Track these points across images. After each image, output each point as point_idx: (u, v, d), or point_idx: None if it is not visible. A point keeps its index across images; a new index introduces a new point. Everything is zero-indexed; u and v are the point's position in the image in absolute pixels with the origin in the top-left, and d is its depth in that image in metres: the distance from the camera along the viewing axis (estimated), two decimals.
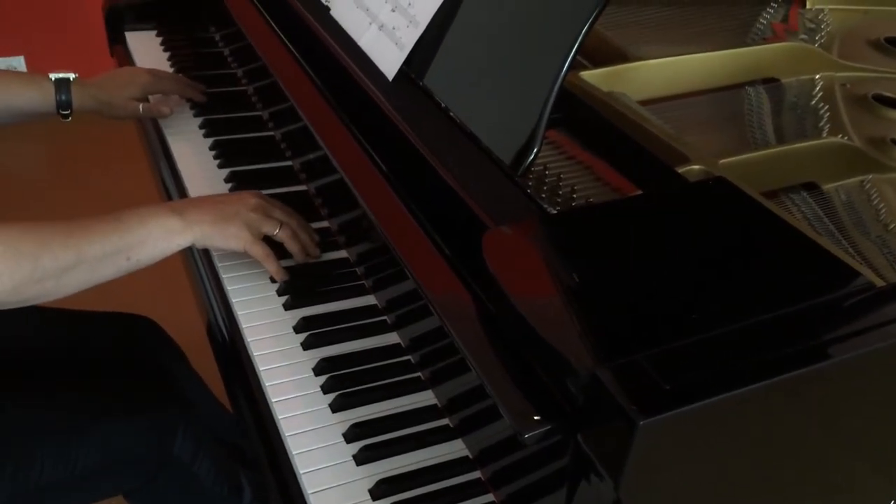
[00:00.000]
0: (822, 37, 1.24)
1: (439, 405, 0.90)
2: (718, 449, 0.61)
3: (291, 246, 1.02)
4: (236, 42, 1.46)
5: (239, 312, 1.00)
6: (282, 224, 1.01)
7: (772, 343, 0.60)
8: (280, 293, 1.03)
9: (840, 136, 1.02)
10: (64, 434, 1.04)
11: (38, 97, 1.19)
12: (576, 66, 0.81)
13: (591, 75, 1.03)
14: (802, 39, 1.22)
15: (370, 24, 1.02)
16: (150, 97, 1.33)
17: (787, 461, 0.66)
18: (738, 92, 1.12)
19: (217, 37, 1.56)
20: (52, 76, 1.21)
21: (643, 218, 0.75)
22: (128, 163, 2.00)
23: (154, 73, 1.32)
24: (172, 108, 1.32)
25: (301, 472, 0.83)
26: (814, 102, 1.11)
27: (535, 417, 0.62)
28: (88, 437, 1.05)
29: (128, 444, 1.08)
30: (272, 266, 1.00)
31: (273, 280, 1.03)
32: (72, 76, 1.22)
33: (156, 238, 0.93)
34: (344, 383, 0.91)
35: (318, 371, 0.93)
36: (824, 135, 1.03)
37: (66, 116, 1.22)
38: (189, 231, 0.95)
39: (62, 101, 1.20)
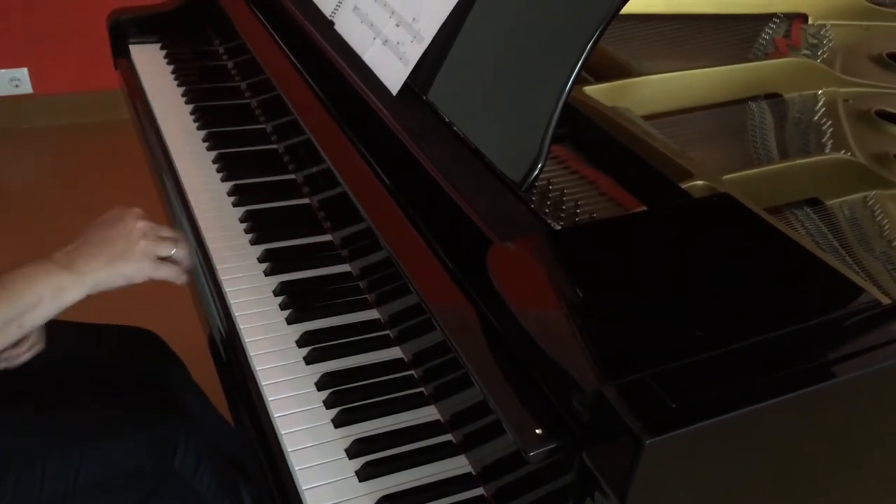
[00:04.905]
0: (824, 52, 1.24)
1: (442, 421, 0.90)
2: (725, 467, 0.60)
3: (189, 263, 1.01)
4: (240, 55, 1.46)
5: (241, 326, 1.00)
6: (178, 241, 0.99)
7: (778, 361, 0.60)
8: (283, 307, 1.02)
9: (843, 151, 1.02)
10: (65, 447, 1.04)
11: None
12: (579, 81, 0.81)
13: (594, 90, 1.03)
14: (805, 55, 1.22)
15: (374, 39, 1.03)
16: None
17: (792, 479, 0.65)
18: (741, 107, 1.13)
19: (221, 50, 1.56)
20: None
21: (648, 234, 0.75)
22: (132, 175, 2.01)
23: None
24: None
25: (303, 488, 0.83)
26: (816, 118, 1.11)
27: (541, 435, 0.62)
28: (89, 450, 1.05)
29: (129, 458, 1.08)
30: (184, 279, 1.00)
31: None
32: None
33: (47, 301, 0.90)
34: (346, 398, 0.91)
35: (320, 386, 0.93)
36: (827, 150, 1.04)
37: None
38: (81, 284, 0.91)
39: None
